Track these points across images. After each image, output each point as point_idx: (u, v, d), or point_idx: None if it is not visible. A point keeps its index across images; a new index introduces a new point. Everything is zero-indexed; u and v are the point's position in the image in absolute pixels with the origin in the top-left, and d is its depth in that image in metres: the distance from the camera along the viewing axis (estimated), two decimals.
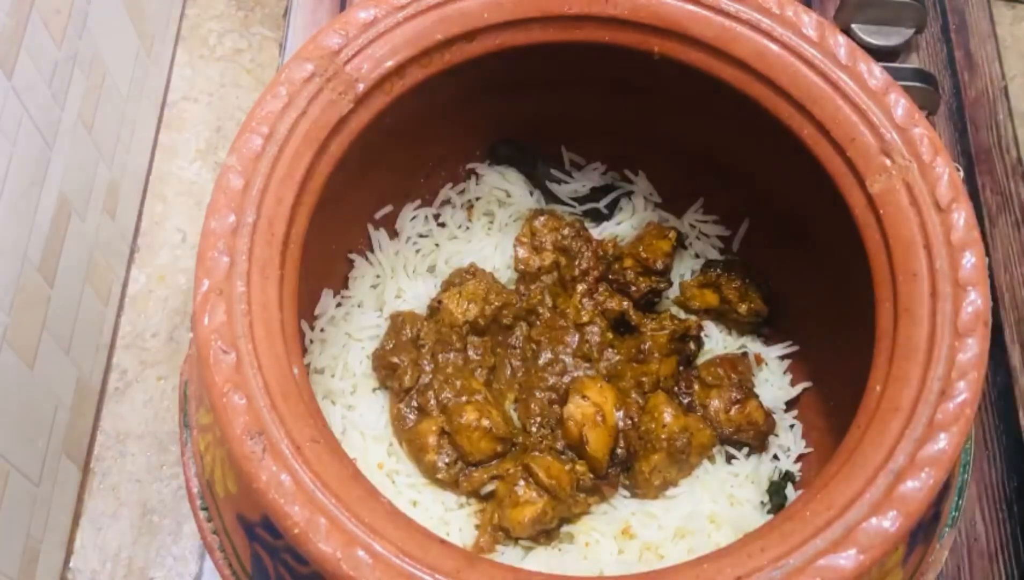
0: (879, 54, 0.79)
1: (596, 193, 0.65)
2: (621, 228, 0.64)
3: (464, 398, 0.56)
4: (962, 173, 0.77)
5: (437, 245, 0.63)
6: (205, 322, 0.42)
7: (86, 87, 0.74)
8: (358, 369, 0.59)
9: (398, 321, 0.59)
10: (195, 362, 0.48)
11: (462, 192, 0.64)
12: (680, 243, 0.63)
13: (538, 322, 0.61)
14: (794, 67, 0.50)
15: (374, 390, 0.59)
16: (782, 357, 0.62)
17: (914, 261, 0.46)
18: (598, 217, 0.64)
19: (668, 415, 0.56)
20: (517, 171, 0.64)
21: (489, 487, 0.54)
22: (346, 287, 0.61)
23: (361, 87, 0.49)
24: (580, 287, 0.62)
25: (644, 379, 0.58)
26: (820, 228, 0.56)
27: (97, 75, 0.76)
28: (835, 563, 0.39)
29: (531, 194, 0.64)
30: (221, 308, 0.42)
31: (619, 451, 0.56)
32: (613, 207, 0.65)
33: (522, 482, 0.53)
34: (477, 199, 0.64)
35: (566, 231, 0.62)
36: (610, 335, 0.61)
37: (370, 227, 0.61)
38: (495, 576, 0.39)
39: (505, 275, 0.63)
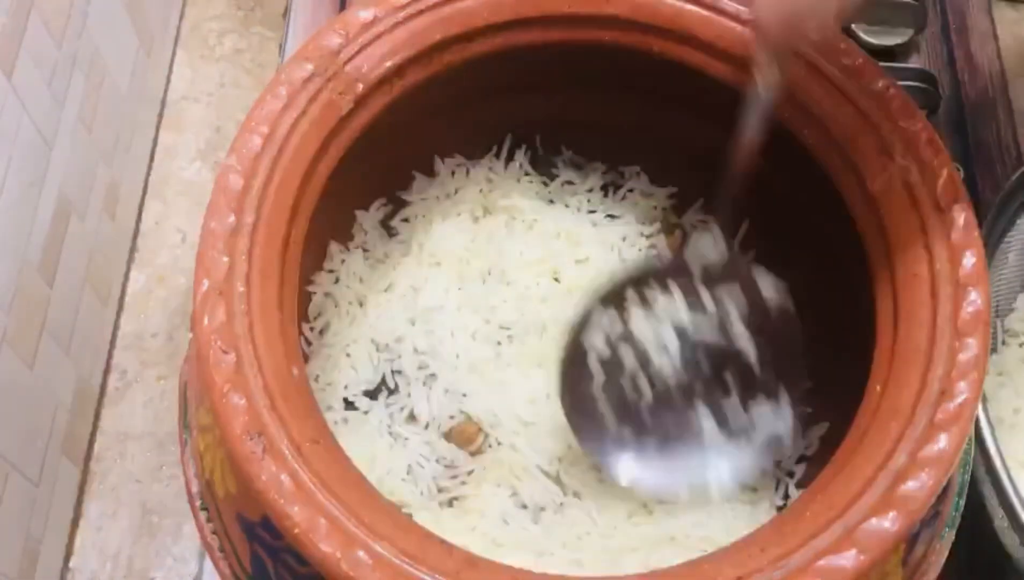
0: (879, 54, 0.79)
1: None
2: None
3: None
4: (962, 173, 0.77)
5: (437, 245, 0.63)
6: (205, 323, 0.42)
7: (86, 87, 0.74)
8: None
9: None
10: (195, 363, 0.48)
11: (464, 191, 0.64)
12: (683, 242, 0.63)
13: None
14: (794, 67, 0.50)
15: None
16: None
17: (914, 261, 0.46)
18: None
19: None
20: (518, 170, 0.64)
21: None
22: (347, 287, 0.61)
23: (361, 87, 0.49)
24: None
25: None
26: (820, 228, 0.56)
27: (97, 75, 0.76)
28: (835, 563, 0.39)
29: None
30: (221, 309, 0.42)
31: None
32: None
33: None
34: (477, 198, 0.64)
35: None
36: None
37: (369, 226, 0.61)
38: (495, 576, 0.39)
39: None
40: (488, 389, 0.56)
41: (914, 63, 0.82)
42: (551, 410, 0.55)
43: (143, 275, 0.83)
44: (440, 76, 0.52)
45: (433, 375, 0.57)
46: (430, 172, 0.63)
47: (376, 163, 0.56)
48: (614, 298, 0.52)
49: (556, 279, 0.61)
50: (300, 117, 0.47)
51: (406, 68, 0.50)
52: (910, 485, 0.40)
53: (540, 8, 0.52)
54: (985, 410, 0.57)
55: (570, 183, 0.64)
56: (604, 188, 0.65)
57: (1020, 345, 0.67)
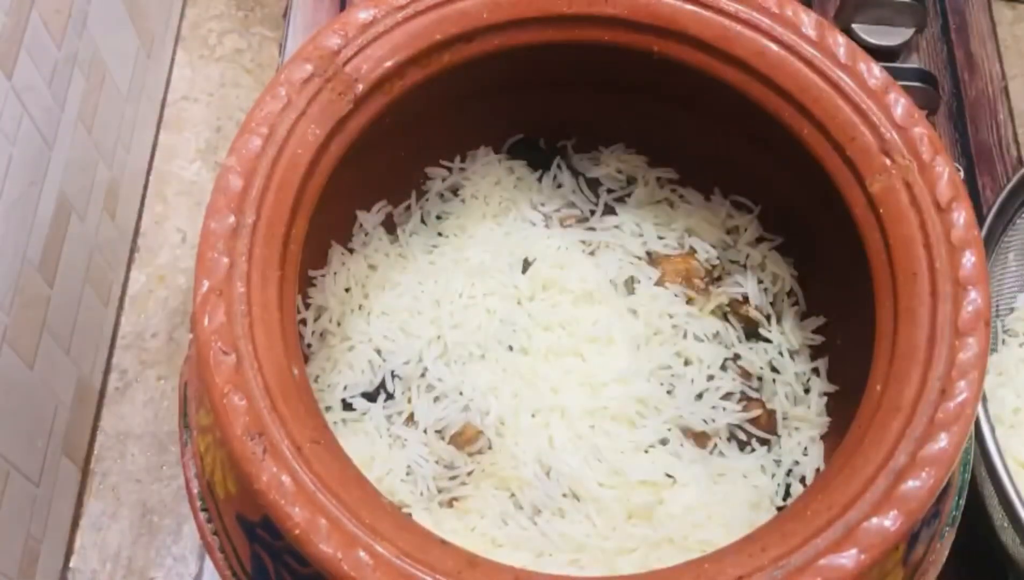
0: (879, 54, 0.79)
1: None
2: None
3: None
4: (962, 173, 0.77)
5: (436, 245, 0.63)
6: (205, 323, 0.42)
7: (86, 87, 0.74)
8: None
9: None
10: (195, 363, 0.48)
11: (463, 191, 0.64)
12: None
13: None
14: (794, 67, 0.50)
15: None
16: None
17: (914, 260, 0.46)
18: None
19: None
20: (524, 167, 0.64)
21: None
22: (347, 288, 0.61)
23: (361, 87, 0.49)
24: None
25: None
26: (820, 227, 0.56)
27: (97, 75, 0.76)
28: (836, 562, 0.39)
29: None
30: (221, 309, 0.42)
31: None
32: None
33: None
34: (474, 197, 0.64)
35: None
36: None
37: (369, 227, 0.61)
38: (496, 576, 0.39)
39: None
40: (488, 390, 0.56)
41: (914, 63, 0.82)
42: (550, 411, 0.55)
43: (143, 275, 0.83)
44: (440, 76, 0.52)
45: (433, 377, 0.57)
46: (430, 173, 0.63)
47: (376, 163, 0.56)
48: None
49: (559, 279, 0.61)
50: (300, 117, 0.47)
51: (406, 68, 0.50)
52: (911, 484, 0.40)
53: (540, 8, 0.52)
54: (985, 410, 0.58)
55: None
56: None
57: (1020, 345, 0.67)
